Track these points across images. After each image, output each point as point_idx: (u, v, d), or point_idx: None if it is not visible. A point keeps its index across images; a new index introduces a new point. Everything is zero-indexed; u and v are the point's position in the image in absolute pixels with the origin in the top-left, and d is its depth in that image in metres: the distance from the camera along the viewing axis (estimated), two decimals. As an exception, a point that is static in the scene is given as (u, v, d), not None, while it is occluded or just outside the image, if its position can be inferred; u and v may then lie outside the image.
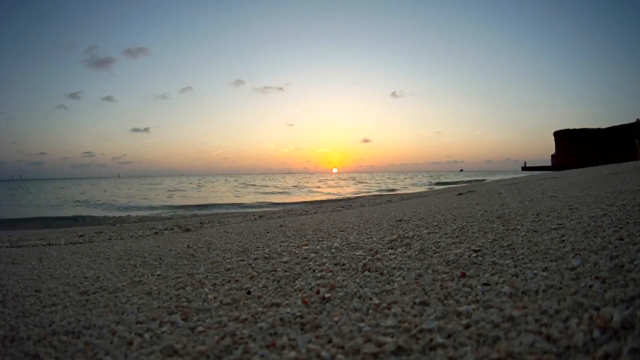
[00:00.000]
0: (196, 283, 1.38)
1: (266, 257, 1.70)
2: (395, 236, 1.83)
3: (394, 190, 17.35)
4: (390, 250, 1.55)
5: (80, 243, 3.11)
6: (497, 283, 1.04)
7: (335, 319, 0.92)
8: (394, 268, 1.30)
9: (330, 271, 1.34)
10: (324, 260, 1.51)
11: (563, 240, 1.36)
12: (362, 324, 0.87)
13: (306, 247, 1.83)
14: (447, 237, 1.67)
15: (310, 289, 1.16)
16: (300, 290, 1.17)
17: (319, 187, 21.30)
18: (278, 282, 1.29)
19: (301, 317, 0.95)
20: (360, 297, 1.06)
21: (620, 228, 1.42)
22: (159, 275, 1.57)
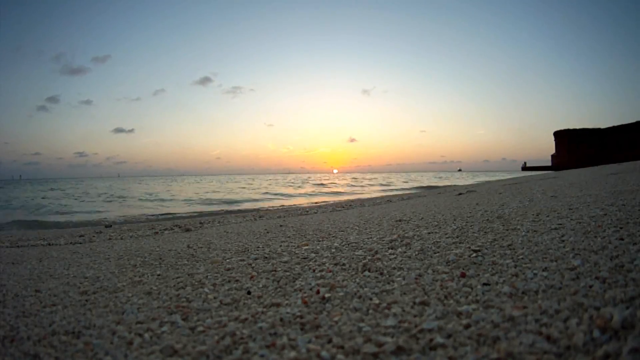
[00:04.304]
0: (196, 283, 1.38)
1: (266, 257, 1.70)
2: (395, 236, 1.83)
3: (452, 184, 18.73)
4: (390, 250, 1.55)
5: (80, 243, 3.11)
6: (497, 283, 1.04)
7: (335, 319, 0.92)
8: (394, 268, 1.29)
9: (330, 271, 1.34)
10: (324, 260, 1.51)
11: (563, 240, 1.36)
12: (362, 324, 0.87)
13: (306, 247, 1.83)
14: (447, 237, 1.67)
15: (310, 289, 1.16)
16: (300, 290, 1.17)
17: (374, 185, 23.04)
18: (278, 282, 1.29)
19: (301, 317, 0.95)
20: (360, 297, 1.06)
21: (620, 228, 1.42)
22: (159, 275, 1.57)
